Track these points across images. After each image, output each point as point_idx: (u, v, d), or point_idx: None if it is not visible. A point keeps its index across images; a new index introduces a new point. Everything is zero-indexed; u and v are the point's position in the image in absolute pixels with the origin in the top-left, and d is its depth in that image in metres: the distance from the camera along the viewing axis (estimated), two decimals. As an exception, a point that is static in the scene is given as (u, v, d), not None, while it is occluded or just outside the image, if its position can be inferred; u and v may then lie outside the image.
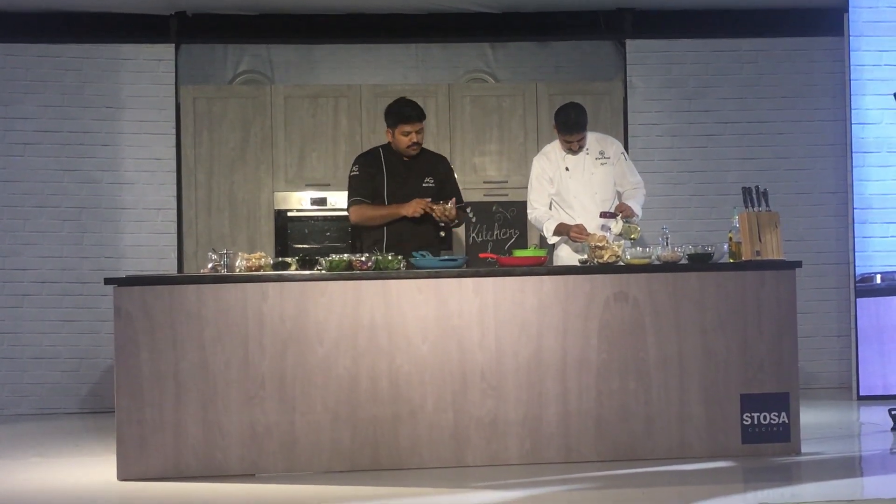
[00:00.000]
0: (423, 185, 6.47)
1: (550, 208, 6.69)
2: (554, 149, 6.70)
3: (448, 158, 6.80)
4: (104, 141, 8.21)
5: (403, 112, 6.41)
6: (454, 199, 6.33)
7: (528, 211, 6.75)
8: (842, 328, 8.26)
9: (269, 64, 8.79)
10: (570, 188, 6.62)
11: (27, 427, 7.45)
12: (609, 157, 6.63)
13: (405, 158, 6.48)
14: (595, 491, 5.15)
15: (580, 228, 6.44)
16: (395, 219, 6.39)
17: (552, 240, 6.65)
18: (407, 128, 6.38)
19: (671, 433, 5.67)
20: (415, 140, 6.41)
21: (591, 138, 6.68)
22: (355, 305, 5.59)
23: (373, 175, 6.47)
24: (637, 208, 6.55)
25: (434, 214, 6.30)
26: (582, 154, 6.62)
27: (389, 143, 6.51)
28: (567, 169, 6.62)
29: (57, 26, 8.20)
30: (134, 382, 5.49)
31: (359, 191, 6.47)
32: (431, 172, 6.53)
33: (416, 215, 6.31)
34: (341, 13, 8.45)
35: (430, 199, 6.30)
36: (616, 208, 6.50)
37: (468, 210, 6.72)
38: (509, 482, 5.25)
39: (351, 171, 6.55)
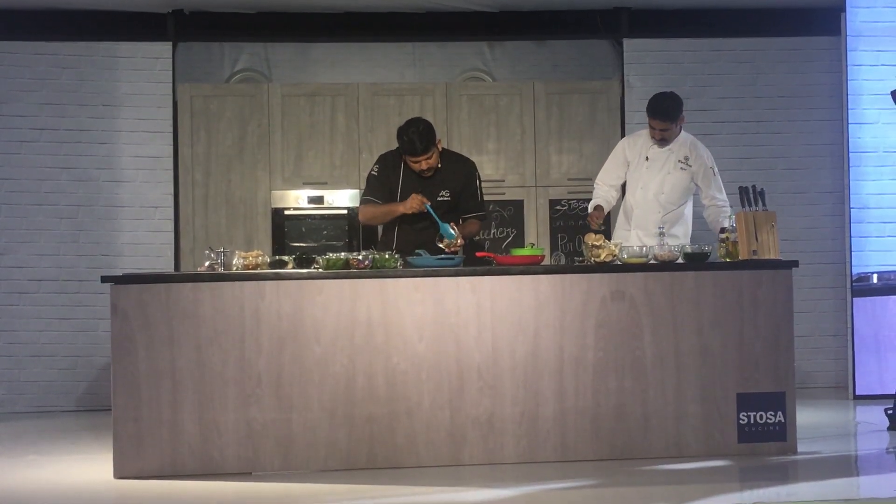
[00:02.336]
0: (438, 198, 6.30)
1: (623, 192, 6.74)
2: (645, 135, 6.73)
3: (475, 163, 6.56)
4: (101, 139, 8.21)
5: (410, 146, 6.17)
6: (457, 231, 6.13)
7: (595, 182, 6.82)
8: (838, 328, 8.27)
9: (267, 62, 8.79)
10: (640, 177, 6.65)
11: (24, 425, 7.44)
12: (691, 166, 6.63)
13: None
14: (591, 490, 5.16)
15: (598, 214, 6.48)
16: (394, 216, 6.34)
17: None
18: (413, 159, 6.23)
19: (667, 432, 5.68)
20: (423, 167, 6.23)
21: (684, 141, 6.68)
22: (352, 304, 5.59)
23: (389, 177, 6.35)
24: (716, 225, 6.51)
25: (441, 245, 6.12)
26: (667, 151, 6.63)
27: None
28: (647, 158, 6.64)
29: (54, 24, 8.19)
30: (130, 380, 5.49)
31: (373, 191, 6.37)
32: (449, 184, 6.33)
33: (413, 211, 6.19)
34: (339, 12, 8.45)
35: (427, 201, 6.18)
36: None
37: (484, 215, 6.62)
38: (506, 481, 5.25)
39: (371, 170, 6.44)
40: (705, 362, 5.70)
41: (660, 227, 6.51)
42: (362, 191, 6.56)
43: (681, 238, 6.67)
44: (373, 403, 5.58)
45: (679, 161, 6.63)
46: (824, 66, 8.46)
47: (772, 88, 8.49)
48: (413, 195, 6.18)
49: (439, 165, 6.31)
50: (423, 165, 6.23)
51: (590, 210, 6.69)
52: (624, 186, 6.82)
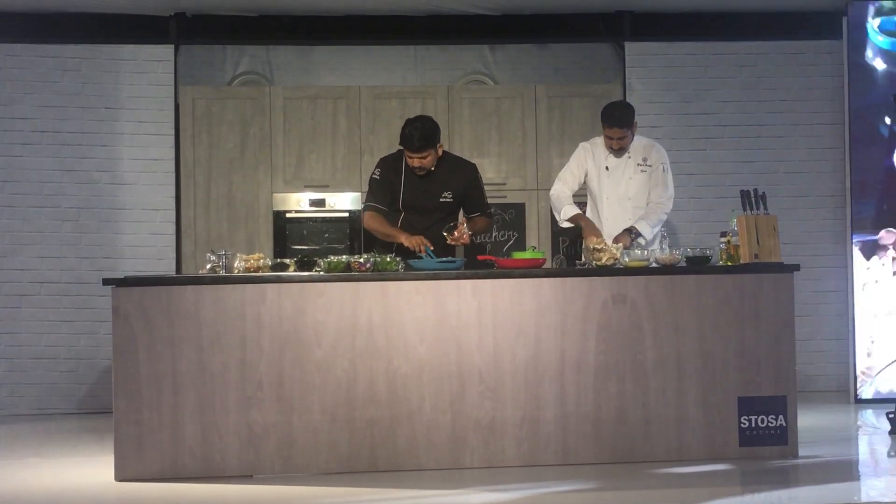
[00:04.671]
0: (441, 199, 6.35)
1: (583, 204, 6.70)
2: (602, 143, 6.68)
3: (476, 165, 6.60)
4: (103, 141, 8.22)
5: (407, 140, 6.21)
6: (464, 225, 6.18)
7: (553, 186, 6.74)
8: (840, 331, 8.26)
9: (269, 65, 8.80)
10: (604, 188, 6.63)
11: (25, 427, 7.45)
12: (650, 165, 6.62)
13: None
14: (592, 493, 5.16)
15: (592, 227, 6.45)
16: (394, 241, 6.27)
17: (564, 224, 6.66)
18: (410, 155, 6.25)
19: (669, 436, 5.67)
20: (418, 165, 6.25)
21: (639, 144, 6.66)
22: (353, 307, 5.59)
23: (391, 180, 6.36)
24: (646, 229, 6.50)
25: (448, 241, 6.18)
26: (625, 158, 6.62)
27: None
28: (607, 168, 6.63)
29: (56, 27, 8.20)
30: (132, 383, 5.49)
31: (375, 196, 6.37)
32: (451, 186, 6.36)
33: (411, 248, 6.12)
34: (340, 15, 8.46)
35: (463, 234, 6.16)
36: (615, 239, 6.38)
37: (491, 213, 6.66)
38: (507, 484, 5.25)
39: (372, 174, 6.44)
40: (706, 366, 5.70)
41: (662, 230, 6.52)
42: (364, 194, 6.55)
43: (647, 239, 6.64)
44: (374, 406, 5.58)
45: (638, 164, 6.62)
46: (826, 70, 8.46)
47: (773, 92, 8.48)
48: (419, 237, 6.13)
49: (433, 169, 6.33)
50: (416, 163, 6.25)
51: (565, 216, 6.60)
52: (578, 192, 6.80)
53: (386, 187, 6.35)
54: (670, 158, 8.40)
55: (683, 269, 5.78)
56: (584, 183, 6.74)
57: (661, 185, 6.61)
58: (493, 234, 8.38)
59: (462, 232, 6.19)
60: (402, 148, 6.33)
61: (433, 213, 6.33)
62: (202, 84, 8.57)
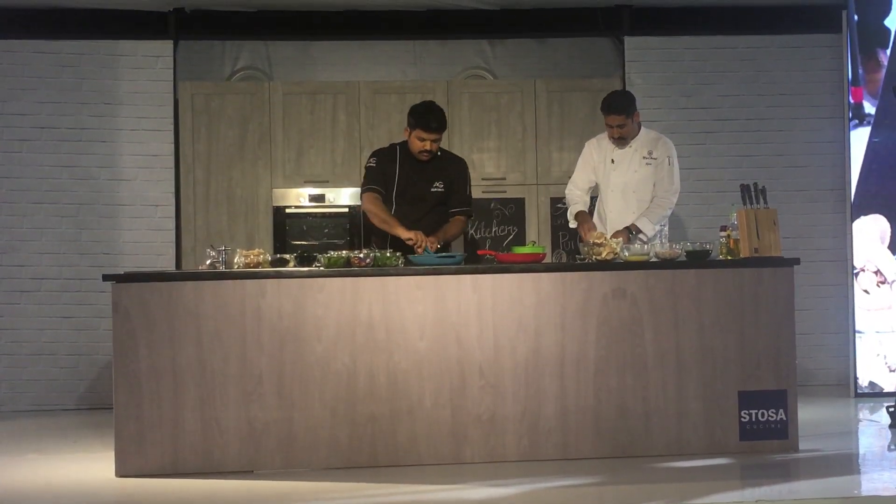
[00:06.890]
0: (433, 189, 6.42)
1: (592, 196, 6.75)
2: (608, 137, 6.70)
3: (465, 161, 6.71)
4: (102, 137, 8.21)
5: (426, 120, 6.31)
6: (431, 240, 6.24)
7: (567, 188, 6.82)
8: (840, 325, 8.26)
9: (268, 60, 8.79)
10: (610, 181, 6.65)
11: (25, 423, 7.45)
12: (655, 158, 6.61)
13: (419, 160, 6.42)
14: (593, 487, 5.16)
15: (589, 225, 6.46)
16: (389, 232, 6.28)
17: (572, 224, 6.71)
18: (424, 135, 6.31)
19: (669, 430, 5.67)
20: (428, 148, 6.33)
21: (645, 137, 6.67)
22: (353, 302, 5.59)
23: (385, 170, 6.43)
24: (648, 226, 6.50)
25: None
26: (630, 150, 6.62)
27: (406, 140, 6.46)
28: (612, 161, 6.64)
29: (55, 22, 8.19)
30: (132, 379, 5.49)
31: (373, 180, 6.42)
32: (443, 176, 6.45)
33: (408, 242, 6.15)
34: (340, 10, 8.45)
35: (432, 240, 6.14)
36: (613, 235, 6.39)
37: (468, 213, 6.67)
38: (507, 479, 5.25)
39: (367, 162, 6.52)
40: (707, 360, 5.70)
41: (662, 225, 6.52)
42: (362, 182, 6.57)
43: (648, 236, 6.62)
44: (374, 402, 5.58)
45: (644, 157, 6.63)
46: (825, 64, 8.45)
47: (773, 86, 8.48)
48: (419, 233, 6.14)
49: (439, 153, 6.41)
50: (428, 146, 6.33)
51: (571, 216, 6.69)
52: (594, 189, 6.82)
53: (380, 175, 6.41)
54: (669, 153, 8.39)
55: (683, 264, 5.78)
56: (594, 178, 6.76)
57: (666, 179, 6.60)
58: (493, 229, 8.37)
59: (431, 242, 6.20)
60: (397, 142, 6.41)
61: (425, 202, 6.39)
62: (201, 79, 8.56)
